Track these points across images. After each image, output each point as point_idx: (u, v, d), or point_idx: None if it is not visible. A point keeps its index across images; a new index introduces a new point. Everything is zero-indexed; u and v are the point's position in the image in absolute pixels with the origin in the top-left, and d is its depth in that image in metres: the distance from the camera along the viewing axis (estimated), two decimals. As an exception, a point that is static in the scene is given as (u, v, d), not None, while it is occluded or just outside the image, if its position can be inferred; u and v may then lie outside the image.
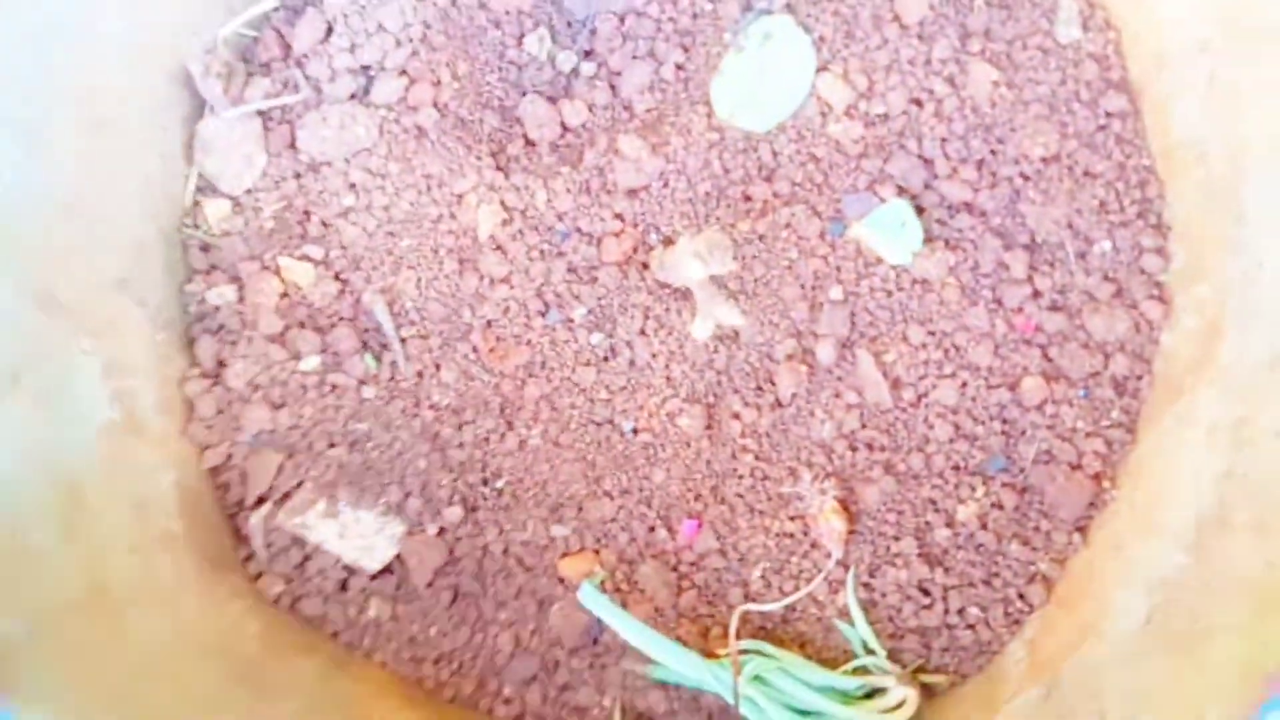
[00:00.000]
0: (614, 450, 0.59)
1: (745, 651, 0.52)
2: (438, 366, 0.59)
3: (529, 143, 0.60)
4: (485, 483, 0.59)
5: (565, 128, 0.60)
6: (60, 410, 0.49)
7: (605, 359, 0.59)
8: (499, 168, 0.59)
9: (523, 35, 0.61)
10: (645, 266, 0.60)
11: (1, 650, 0.39)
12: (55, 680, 0.40)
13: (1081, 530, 0.53)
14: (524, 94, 0.60)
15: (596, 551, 0.58)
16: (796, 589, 0.55)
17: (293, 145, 0.60)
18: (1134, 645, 0.44)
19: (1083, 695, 0.44)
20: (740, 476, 0.57)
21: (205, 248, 0.60)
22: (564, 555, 0.58)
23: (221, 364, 0.59)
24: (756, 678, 0.51)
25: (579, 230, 0.60)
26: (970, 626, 0.52)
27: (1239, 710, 0.35)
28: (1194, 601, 0.43)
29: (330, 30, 0.60)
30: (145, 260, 0.57)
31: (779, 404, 0.58)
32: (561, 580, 0.58)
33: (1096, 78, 0.56)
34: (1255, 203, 0.48)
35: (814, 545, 0.55)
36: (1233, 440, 0.46)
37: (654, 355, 0.59)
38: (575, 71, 0.61)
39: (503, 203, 0.59)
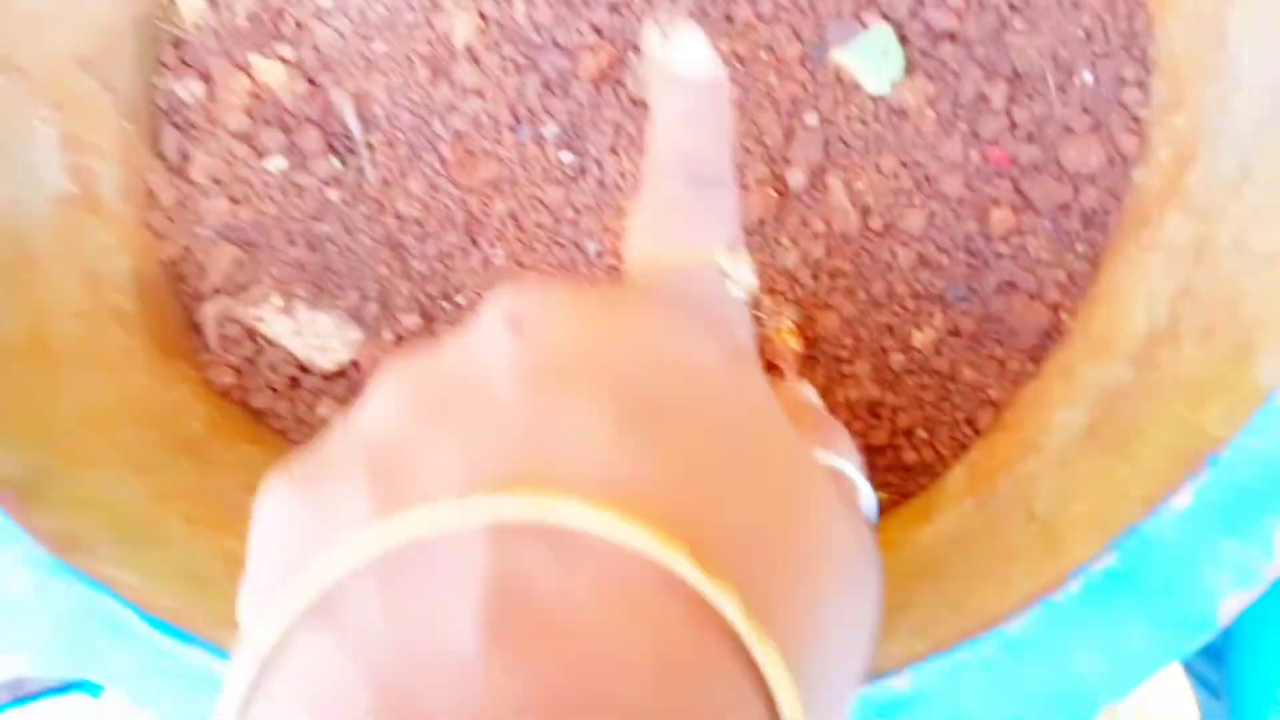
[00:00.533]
0: (578, 271, 0.58)
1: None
2: (404, 175, 0.59)
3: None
4: (446, 296, 0.59)
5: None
6: (13, 171, 0.49)
7: (574, 178, 0.59)
8: (475, -29, 0.58)
9: None
10: (621, 84, 0.59)
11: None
12: (-13, 407, 0.40)
13: (1035, 360, 0.52)
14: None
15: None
16: (748, 412, 0.55)
17: (268, -59, 0.59)
18: (1070, 452, 0.44)
19: (1014, 499, 0.44)
20: (700, 299, 0.57)
21: (176, 42, 0.60)
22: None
23: (185, 158, 0.58)
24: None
25: (555, 44, 0.58)
26: (915, 448, 0.52)
27: (1162, 489, 0.35)
28: (1133, 407, 0.42)
29: None
30: (114, 45, 0.57)
31: (746, 231, 0.57)
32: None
33: (1093, -95, 0.55)
34: (1239, 23, 0.47)
35: (770, 366, 0.55)
36: (1193, 258, 0.45)
37: (623, 175, 0.58)
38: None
39: (480, 10, 0.58)
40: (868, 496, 0.32)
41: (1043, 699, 0.34)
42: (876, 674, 0.35)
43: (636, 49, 0.58)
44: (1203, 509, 0.33)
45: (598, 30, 0.58)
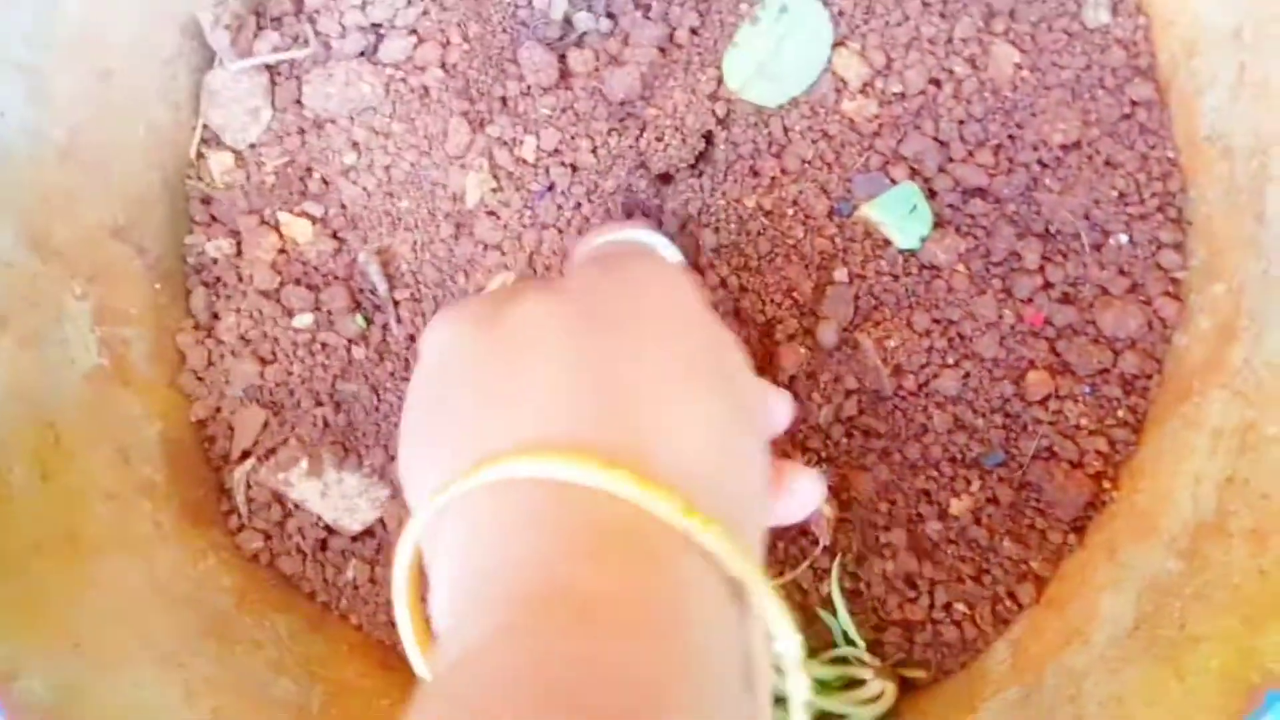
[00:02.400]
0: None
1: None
2: (431, 331, 0.58)
3: (525, 91, 0.59)
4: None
5: (565, 73, 0.59)
6: (46, 353, 0.49)
7: (601, 332, 0.58)
8: (490, 119, 0.58)
9: (535, -3, 0.60)
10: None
11: (-37, 585, 0.39)
12: (18, 621, 0.40)
13: (1078, 531, 0.51)
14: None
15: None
16: (782, 574, 0.54)
17: (298, 101, 0.60)
18: (1119, 650, 0.42)
19: (1062, 698, 0.42)
20: (731, 458, 0.56)
21: (206, 200, 0.60)
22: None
23: (215, 316, 0.59)
24: (733, 663, 0.50)
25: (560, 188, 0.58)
26: (956, 623, 0.51)
27: (1220, 723, 0.34)
28: (1183, 609, 0.41)
29: (342, -15, 0.60)
30: (147, 209, 0.57)
31: (779, 384, 0.56)
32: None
33: (1123, 64, 0.54)
34: (1278, 203, 0.46)
35: (803, 532, 0.54)
36: (1238, 445, 0.44)
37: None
38: (588, 31, 0.60)
39: (493, 163, 0.58)
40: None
41: None
42: None
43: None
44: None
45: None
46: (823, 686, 0.49)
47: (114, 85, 0.54)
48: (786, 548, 0.54)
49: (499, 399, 0.28)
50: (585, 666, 0.21)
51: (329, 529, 0.56)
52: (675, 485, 0.25)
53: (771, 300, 0.57)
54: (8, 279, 0.47)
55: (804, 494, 0.35)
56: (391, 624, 0.56)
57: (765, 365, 0.57)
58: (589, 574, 0.23)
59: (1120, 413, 0.51)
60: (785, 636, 0.28)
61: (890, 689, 0.49)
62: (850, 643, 0.51)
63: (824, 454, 0.55)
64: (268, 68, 0.60)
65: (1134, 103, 0.54)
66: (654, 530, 0.25)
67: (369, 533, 0.57)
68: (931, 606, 0.51)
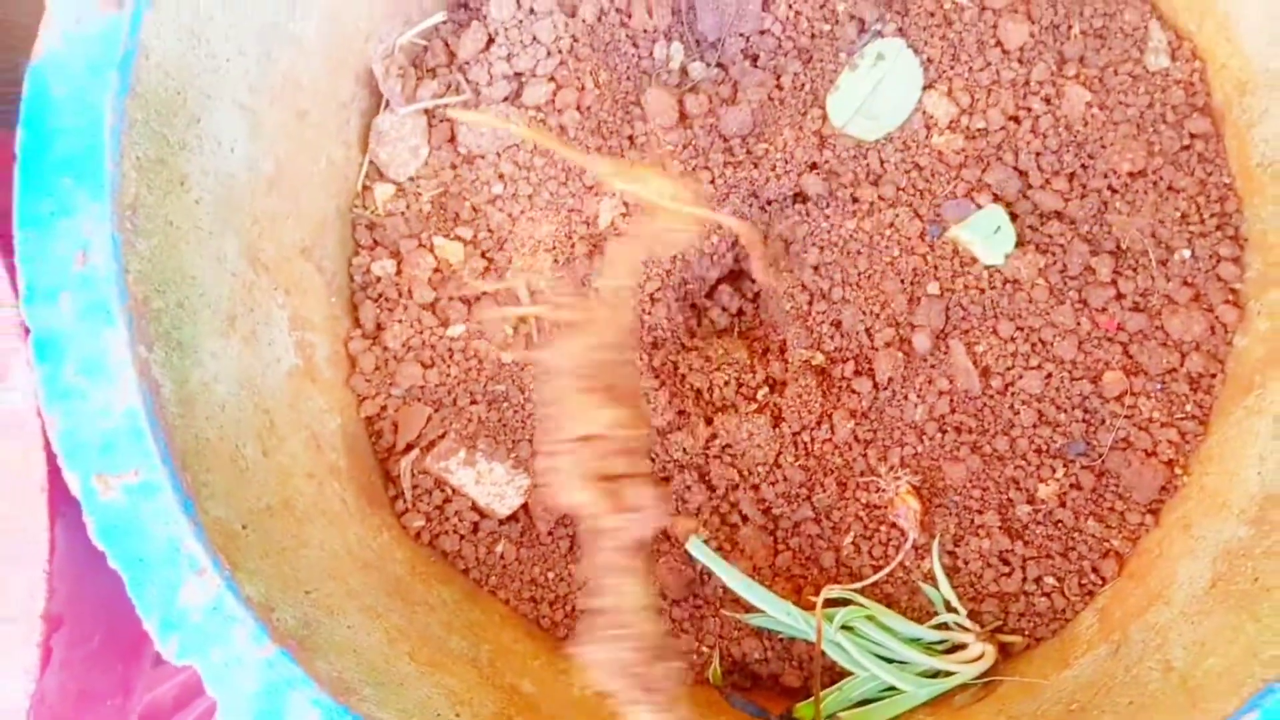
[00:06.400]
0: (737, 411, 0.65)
1: (837, 602, 0.58)
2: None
3: (650, 130, 0.67)
4: (604, 445, 0.66)
5: (684, 114, 0.67)
6: (261, 352, 0.57)
7: (722, 332, 0.66)
8: (620, 154, 0.67)
9: (655, 45, 0.69)
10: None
11: (228, 536, 0.47)
12: (263, 567, 0.48)
13: (1153, 512, 0.57)
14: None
15: (698, 513, 0.64)
16: (885, 555, 0.60)
17: (452, 140, 0.69)
18: (1197, 606, 0.49)
19: (1148, 649, 0.49)
20: (839, 450, 0.63)
21: (371, 226, 0.69)
22: (673, 515, 0.64)
23: (380, 327, 0.67)
24: (846, 626, 0.57)
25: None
26: (1046, 595, 0.57)
27: (1293, 650, 0.40)
28: (1255, 566, 0.47)
29: (490, 41, 0.69)
30: (325, 233, 0.66)
31: (877, 387, 0.63)
32: (668, 537, 0.64)
33: (1182, 102, 0.62)
34: (1328, 216, 0.53)
35: (893, 526, 0.61)
36: (1299, 427, 0.50)
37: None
38: (702, 79, 0.68)
39: (622, 194, 0.66)
40: None
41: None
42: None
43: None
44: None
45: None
46: (929, 649, 0.56)
47: (307, 124, 0.63)
48: (888, 531, 0.61)
49: None
50: None
51: (481, 513, 0.64)
52: None
53: (870, 312, 0.64)
54: (234, 286, 0.55)
55: None
56: (534, 599, 0.64)
57: (863, 370, 0.64)
58: None
59: (1188, 407, 0.58)
60: None
61: (990, 650, 0.55)
62: (951, 610, 0.57)
63: (916, 449, 0.62)
64: (426, 112, 0.69)
65: (1193, 135, 0.61)
66: None
67: (514, 517, 0.65)
68: (1024, 580, 0.58)
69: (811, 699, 0.56)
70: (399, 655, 0.51)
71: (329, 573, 0.53)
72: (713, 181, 0.66)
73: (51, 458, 0.45)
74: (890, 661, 0.56)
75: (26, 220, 0.45)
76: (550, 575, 0.64)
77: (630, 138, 0.68)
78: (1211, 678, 0.43)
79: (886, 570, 0.58)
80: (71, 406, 0.45)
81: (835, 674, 0.59)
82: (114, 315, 0.45)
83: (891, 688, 0.55)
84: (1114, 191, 0.62)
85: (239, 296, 0.56)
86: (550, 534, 0.64)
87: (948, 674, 0.55)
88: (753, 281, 0.70)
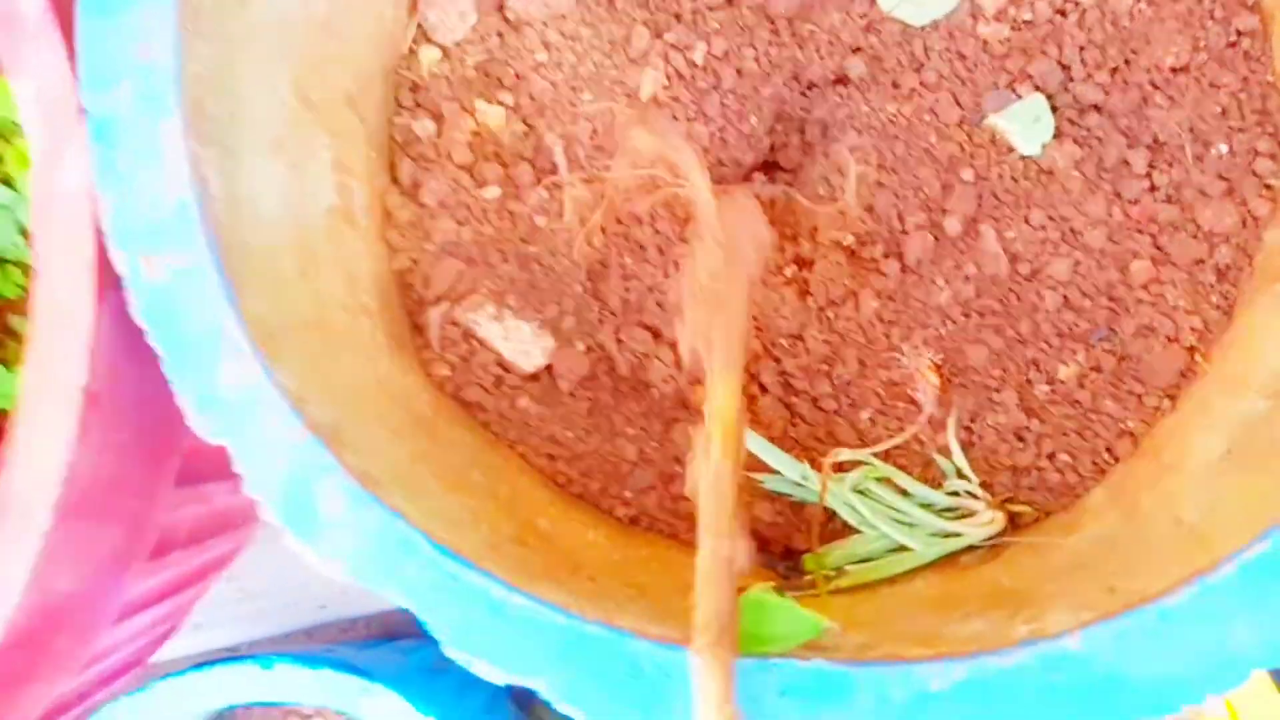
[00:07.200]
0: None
1: (851, 465, 0.59)
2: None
3: (697, 8, 0.68)
4: (629, 312, 0.67)
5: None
6: (304, 182, 0.58)
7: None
8: (667, 29, 0.67)
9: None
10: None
11: (267, 333, 0.48)
12: (298, 368, 0.49)
13: (1171, 397, 0.58)
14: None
15: (722, 385, 0.65)
16: (902, 431, 0.61)
17: (500, 7, 0.69)
18: (1212, 471, 0.49)
19: (1158, 509, 0.49)
20: (862, 329, 0.64)
21: (415, 87, 0.70)
22: (693, 383, 0.65)
23: (417, 184, 0.68)
24: (860, 490, 0.58)
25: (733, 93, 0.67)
26: (1059, 470, 0.58)
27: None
28: (1272, 433, 0.48)
29: (544, -91, 0.69)
30: (369, 87, 0.67)
31: (905, 269, 0.64)
32: (686, 405, 0.65)
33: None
34: (1370, 106, 0.53)
35: (910, 400, 0.62)
36: (1324, 308, 0.50)
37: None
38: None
39: (667, 63, 0.67)
40: None
41: (1200, 662, 0.39)
42: (1046, 635, 0.41)
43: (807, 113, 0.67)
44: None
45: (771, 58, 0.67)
46: (940, 512, 0.57)
47: (360, -25, 0.64)
48: (906, 408, 0.62)
49: None
50: None
51: (505, 367, 0.65)
52: None
53: (903, 196, 0.65)
54: (284, 114, 0.56)
55: None
56: (551, 456, 0.65)
57: (893, 251, 0.65)
58: None
59: (1214, 298, 0.59)
60: None
61: (1000, 517, 0.56)
62: (964, 478, 0.58)
63: (940, 331, 0.63)
64: (475, -23, 0.70)
65: (1240, 32, 0.61)
66: None
67: (536, 376, 0.66)
68: (1038, 455, 0.58)
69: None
70: (425, 472, 0.52)
71: (359, 394, 0.54)
72: (756, 59, 0.66)
73: (100, 241, 0.46)
74: (902, 524, 0.57)
75: (90, 7, 0.46)
76: (569, 434, 0.65)
77: (677, 14, 0.68)
78: (1223, 525, 0.44)
79: (903, 436, 0.59)
80: (125, 189, 0.46)
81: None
82: (170, 108, 0.47)
83: (898, 548, 0.56)
84: (1155, 86, 0.62)
85: (288, 127, 0.57)
86: (571, 394, 0.65)
87: (956, 536, 0.56)
88: (786, 170, 0.71)
